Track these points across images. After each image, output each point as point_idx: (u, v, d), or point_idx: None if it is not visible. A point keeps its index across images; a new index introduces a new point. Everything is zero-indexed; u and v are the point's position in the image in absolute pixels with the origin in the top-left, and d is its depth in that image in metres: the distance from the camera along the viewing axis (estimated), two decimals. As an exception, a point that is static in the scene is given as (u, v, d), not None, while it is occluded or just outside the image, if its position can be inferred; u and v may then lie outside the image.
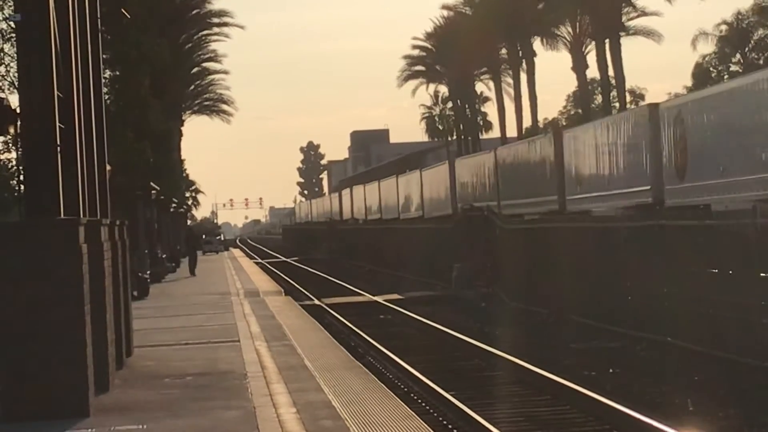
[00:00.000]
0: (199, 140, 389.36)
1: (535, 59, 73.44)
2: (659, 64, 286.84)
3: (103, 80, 22.81)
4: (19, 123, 16.44)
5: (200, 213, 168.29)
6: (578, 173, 36.78)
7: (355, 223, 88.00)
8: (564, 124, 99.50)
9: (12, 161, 32.65)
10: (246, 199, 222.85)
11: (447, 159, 63.68)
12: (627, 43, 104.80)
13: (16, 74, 27.10)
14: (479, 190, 50.10)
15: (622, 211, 32.60)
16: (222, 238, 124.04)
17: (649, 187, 30.73)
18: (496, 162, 46.54)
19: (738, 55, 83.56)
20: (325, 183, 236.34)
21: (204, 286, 45.39)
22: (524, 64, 74.16)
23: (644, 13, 69.26)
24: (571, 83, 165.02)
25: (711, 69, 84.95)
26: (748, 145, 25.54)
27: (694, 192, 28.19)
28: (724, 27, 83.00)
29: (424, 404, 19.98)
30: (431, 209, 59.71)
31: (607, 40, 64.08)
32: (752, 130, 25.27)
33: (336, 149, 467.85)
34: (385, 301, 42.80)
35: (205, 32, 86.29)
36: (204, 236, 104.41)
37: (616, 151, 33.68)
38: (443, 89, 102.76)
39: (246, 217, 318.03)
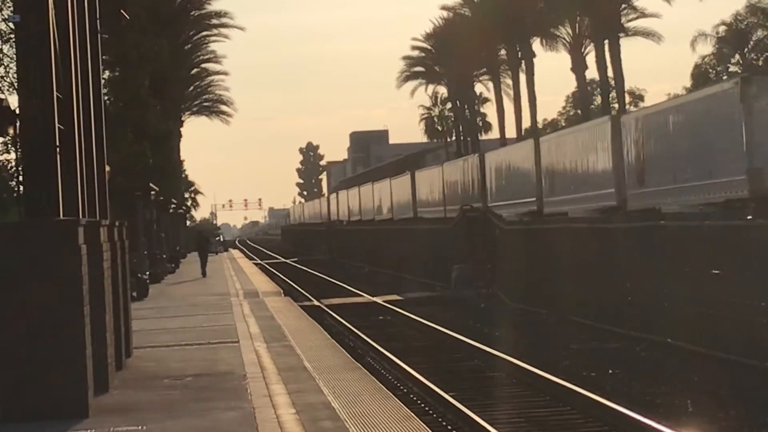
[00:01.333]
0: (199, 141, 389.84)
1: (535, 60, 73.51)
2: (659, 64, 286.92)
3: (102, 81, 22.80)
4: (18, 124, 16.43)
5: (199, 214, 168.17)
6: (496, 185, 47.04)
7: (339, 224, 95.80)
8: (563, 124, 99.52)
9: (11, 162, 32.64)
10: (245, 200, 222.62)
11: (446, 160, 68.88)
12: (626, 44, 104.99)
13: (15, 75, 27.09)
14: (431, 197, 59.67)
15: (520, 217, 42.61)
16: (221, 239, 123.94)
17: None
18: (443, 175, 56.52)
19: (737, 56, 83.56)
20: (324, 184, 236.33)
21: (203, 287, 45.38)
22: (523, 65, 74.17)
23: (643, 14, 69.34)
24: (570, 84, 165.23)
25: (710, 70, 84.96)
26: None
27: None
28: (722, 28, 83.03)
29: (423, 405, 19.99)
30: (398, 213, 68.25)
31: (606, 41, 64.10)
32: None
33: (335, 150, 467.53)
34: (384, 302, 42.79)
35: (205, 33, 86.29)
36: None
37: (511, 173, 45.29)
38: (442, 90, 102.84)
39: (245, 218, 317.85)
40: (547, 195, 39.42)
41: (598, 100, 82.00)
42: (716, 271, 26.10)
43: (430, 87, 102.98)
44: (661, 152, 29.82)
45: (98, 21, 20.32)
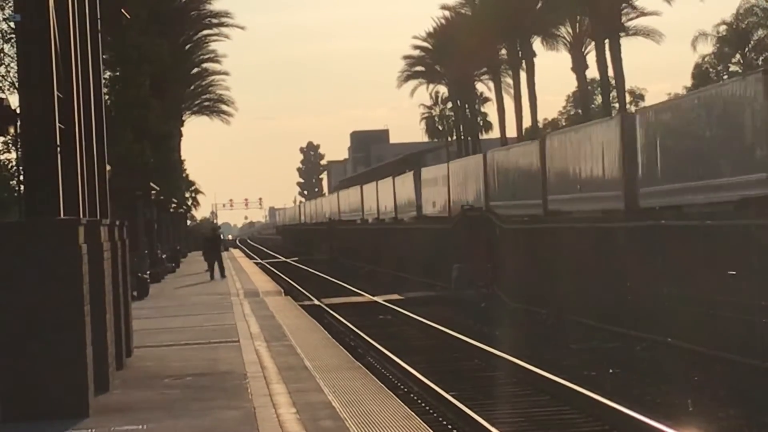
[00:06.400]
0: (199, 141, 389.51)
1: (535, 59, 73.51)
2: (659, 64, 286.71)
3: (103, 81, 22.80)
4: (18, 123, 16.45)
5: (200, 213, 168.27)
6: (426, 198, 61.00)
7: (312, 225, 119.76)
8: (563, 124, 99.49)
9: (12, 161, 32.63)
10: (246, 200, 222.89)
11: (447, 159, 70.40)
12: (627, 43, 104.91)
13: (16, 75, 27.08)
14: (388, 203, 73.35)
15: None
16: (221, 238, 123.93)
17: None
18: (394, 186, 70.92)
19: (738, 56, 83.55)
20: (325, 183, 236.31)
21: (204, 287, 45.36)
22: (524, 65, 74.17)
23: (644, 14, 69.31)
24: (571, 83, 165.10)
25: (710, 69, 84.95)
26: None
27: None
28: (723, 27, 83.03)
29: (423, 404, 19.99)
30: (368, 215, 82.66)
31: (606, 41, 64.08)
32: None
33: (336, 149, 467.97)
34: (384, 301, 42.79)
35: (205, 33, 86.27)
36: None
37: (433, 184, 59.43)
38: (443, 89, 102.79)
39: (246, 218, 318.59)
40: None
41: (599, 99, 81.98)
42: (716, 271, 26.11)
43: (431, 86, 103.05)
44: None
45: (98, 21, 20.32)
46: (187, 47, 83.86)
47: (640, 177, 31.38)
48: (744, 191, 25.47)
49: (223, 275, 51.09)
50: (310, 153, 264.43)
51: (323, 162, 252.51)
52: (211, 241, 54.18)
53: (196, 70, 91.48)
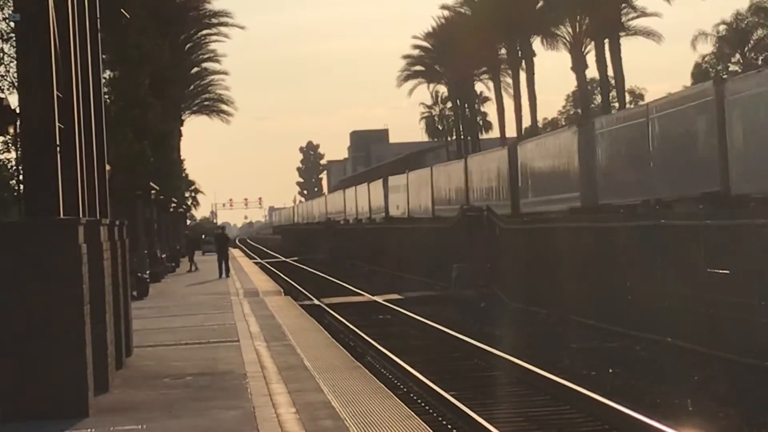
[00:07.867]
0: (199, 140, 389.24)
1: (535, 59, 73.45)
2: (659, 64, 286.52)
3: (103, 80, 22.78)
4: (18, 123, 16.44)
5: (200, 213, 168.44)
6: (392, 202, 70.93)
7: (303, 225, 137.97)
8: (563, 123, 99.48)
9: (12, 161, 32.59)
10: (245, 199, 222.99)
11: (446, 159, 71.88)
12: (627, 43, 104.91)
13: (15, 75, 27.04)
14: (365, 206, 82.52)
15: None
16: (228, 238, 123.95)
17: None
18: (369, 191, 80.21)
19: (737, 55, 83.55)
20: (324, 183, 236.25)
21: (203, 287, 45.37)
22: (524, 64, 74.13)
23: (644, 14, 69.25)
24: (570, 83, 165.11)
25: (710, 69, 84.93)
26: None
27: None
28: (723, 27, 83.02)
29: (423, 404, 19.99)
30: (348, 216, 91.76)
31: (606, 40, 64.05)
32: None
33: (336, 149, 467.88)
34: (384, 301, 42.79)
35: (205, 32, 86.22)
36: (204, 236, 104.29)
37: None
38: (443, 89, 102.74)
39: (246, 217, 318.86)
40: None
41: (599, 99, 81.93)
42: (716, 271, 26.11)
43: (431, 86, 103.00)
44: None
45: (98, 20, 20.32)
46: (186, 47, 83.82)
47: (520, 191, 44.17)
48: (570, 204, 37.64)
49: (223, 275, 52.23)
50: (310, 153, 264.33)
51: (323, 162, 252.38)
52: (220, 241, 57.19)
53: (195, 69, 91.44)
